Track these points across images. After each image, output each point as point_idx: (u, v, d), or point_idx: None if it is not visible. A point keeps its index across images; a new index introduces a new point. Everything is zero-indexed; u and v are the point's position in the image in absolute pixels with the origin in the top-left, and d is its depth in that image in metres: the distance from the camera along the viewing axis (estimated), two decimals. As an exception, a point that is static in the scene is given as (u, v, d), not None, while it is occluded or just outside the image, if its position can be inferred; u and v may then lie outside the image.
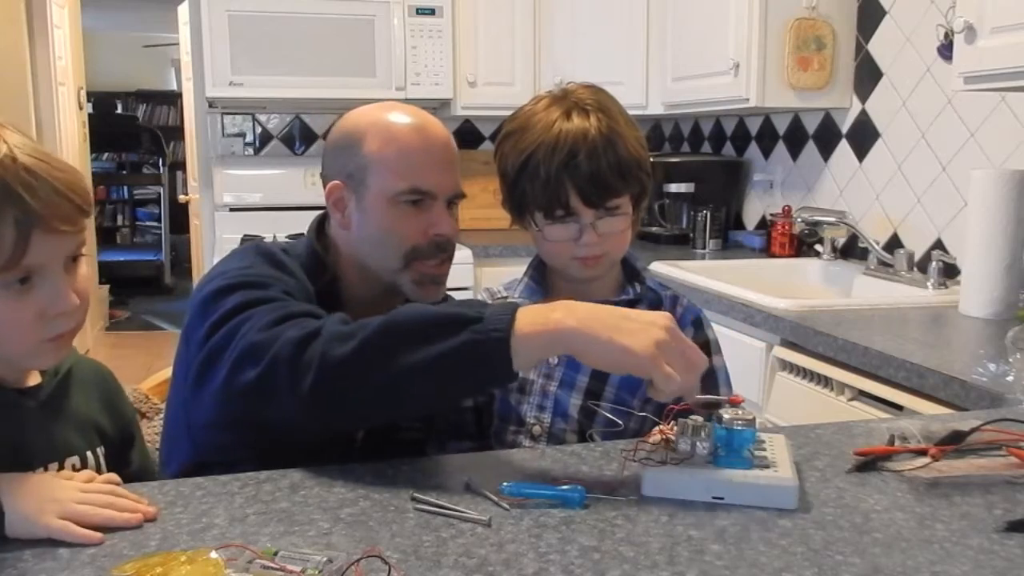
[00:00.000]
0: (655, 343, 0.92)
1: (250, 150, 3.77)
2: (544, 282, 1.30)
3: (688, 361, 0.95)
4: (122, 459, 1.12)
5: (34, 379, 1.04)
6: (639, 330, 0.94)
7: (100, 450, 1.08)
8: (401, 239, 1.23)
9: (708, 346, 1.28)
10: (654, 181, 3.62)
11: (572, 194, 1.19)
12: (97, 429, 1.09)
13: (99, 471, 1.04)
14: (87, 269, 1.01)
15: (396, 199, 1.22)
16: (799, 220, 2.62)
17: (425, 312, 1.01)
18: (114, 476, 0.95)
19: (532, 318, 0.95)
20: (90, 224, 5.85)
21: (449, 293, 1.37)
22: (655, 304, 1.28)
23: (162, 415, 1.39)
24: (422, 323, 0.98)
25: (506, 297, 1.33)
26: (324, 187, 1.28)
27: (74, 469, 1.01)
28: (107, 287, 6.53)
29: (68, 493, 0.84)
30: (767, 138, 3.19)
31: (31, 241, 0.88)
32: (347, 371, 0.97)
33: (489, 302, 1.32)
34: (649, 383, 0.94)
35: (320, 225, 1.32)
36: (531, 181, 1.20)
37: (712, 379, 1.27)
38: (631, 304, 1.27)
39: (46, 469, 0.99)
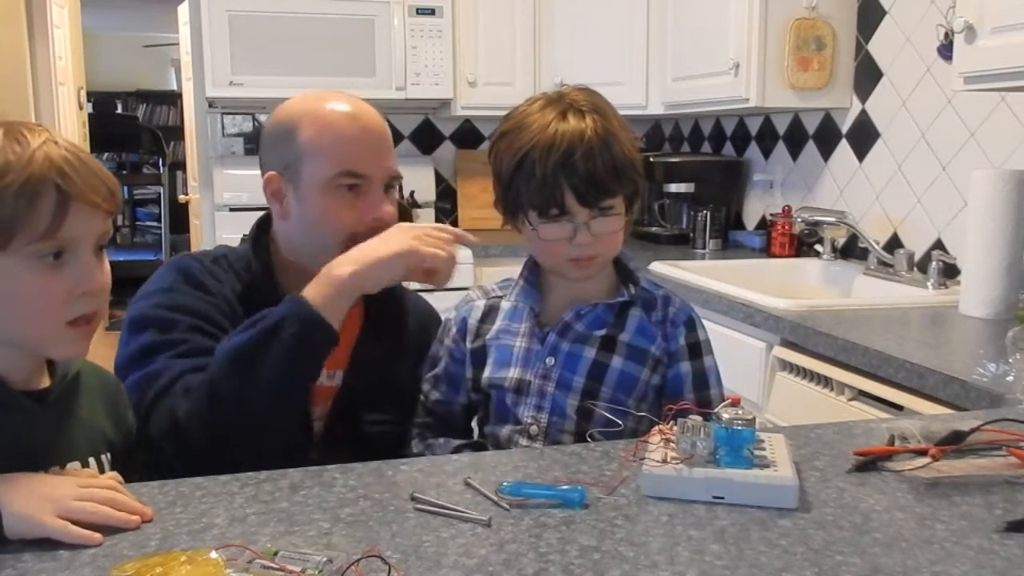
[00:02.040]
0: (411, 236, 1.15)
1: (250, 150, 3.77)
2: (538, 283, 1.30)
3: (439, 236, 1.18)
4: (128, 466, 1.12)
5: (43, 382, 1.04)
6: (390, 237, 1.16)
7: (106, 456, 1.08)
8: (338, 226, 1.24)
9: (699, 346, 1.29)
10: (654, 181, 3.62)
11: (568, 193, 1.19)
12: (102, 435, 1.09)
13: None
14: (108, 265, 1.03)
15: (331, 184, 1.24)
16: (799, 220, 2.62)
17: (240, 342, 1.13)
18: (115, 475, 0.94)
19: (321, 288, 1.14)
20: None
21: (448, 293, 1.38)
22: (648, 303, 1.29)
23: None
24: (244, 351, 1.12)
25: (500, 296, 1.33)
26: (262, 180, 1.30)
27: None
28: (107, 287, 6.51)
29: (65, 490, 0.84)
30: (767, 138, 3.19)
31: (69, 212, 0.93)
32: (204, 419, 1.12)
33: (482, 300, 1.33)
34: (427, 274, 1.15)
35: (265, 223, 1.34)
36: (527, 180, 1.20)
37: (702, 378, 1.28)
38: (626, 306, 1.27)
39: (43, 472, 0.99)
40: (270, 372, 1.11)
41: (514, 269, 1.35)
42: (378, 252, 1.14)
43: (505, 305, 1.31)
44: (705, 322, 1.35)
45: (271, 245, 1.32)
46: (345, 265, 1.14)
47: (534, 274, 1.31)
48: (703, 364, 1.28)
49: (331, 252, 1.22)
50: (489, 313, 1.31)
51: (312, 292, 1.14)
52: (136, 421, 1.16)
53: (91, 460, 1.05)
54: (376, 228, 1.23)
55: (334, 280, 1.14)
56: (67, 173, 0.93)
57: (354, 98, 1.30)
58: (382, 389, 1.32)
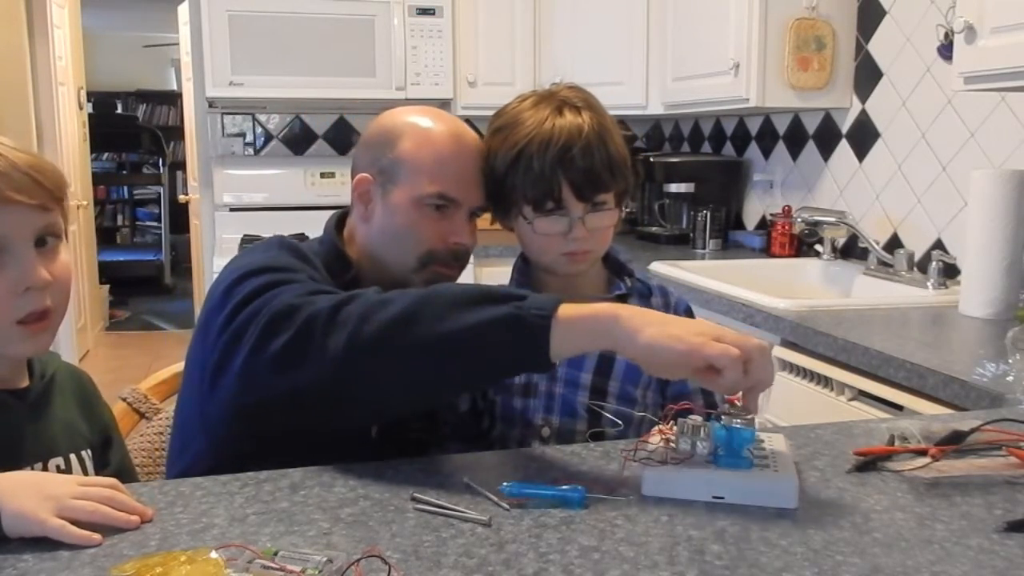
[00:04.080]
0: (705, 331, 0.91)
1: (250, 150, 3.77)
2: (529, 283, 1.30)
3: (742, 337, 0.91)
4: (100, 461, 1.13)
5: (23, 382, 1.05)
6: (688, 323, 0.94)
7: (86, 453, 1.08)
8: (419, 241, 1.24)
9: None
10: (654, 181, 3.61)
11: (565, 187, 1.20)
12: (81, 434, 1.10)
13: (85, 474, 1.05)
14: (67, 257, 1.03)
15: (422, 201, 1.23)
16: (799, 220, 2.62)
17: (469, 285, 1.01)
18: (114, 480, 0.95)
19: (576, 307, 0.95)
20: (90, 224, 5.87)
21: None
22: (645, 295, 1.30)
23: (161, 415, 1.39)
24: (466, 292, 0.98)
25: None
26: (352, 179, 1.29)
27: (58, 471, 1.02)
28: (107, 287, 6.53)
29: (65, 489, 0.84)
30: (767, 138, 3.19)
31: None
32: (383, 334, 0.96)
33: None
34: (704, 376, 0.91)
35: (339, 223, 1.32)
36: (524, 174, 1.21)
37: None
38: (622, 299, 1.27)
39: (32, 470, 1.00)
40: (458, 326, 0.95)
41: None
42: (658, 326, 0.92)
43: None
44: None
45: (347, 244, 1.30)
46: (618, 308, 0.95)
47: (524, 275, 1.31)
48: None
49: (408, 262, 1.24)
50: None
51: (569, 304, 0.95)
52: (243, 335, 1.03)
53: (72, 457, 1.06)
54: (454, 251, 1.25)
55: (595, 309, 0.95)
56: None
57: (459, 121, 1.31)
58: None
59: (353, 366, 0.97)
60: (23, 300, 0.97)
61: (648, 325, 0.92)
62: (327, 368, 0.97)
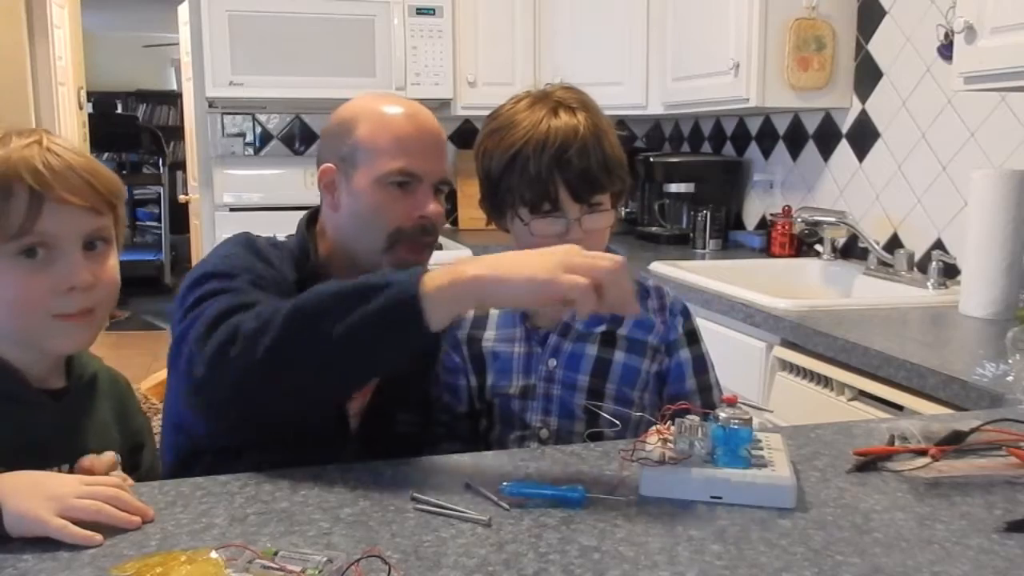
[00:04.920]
0: (555, 263, 0.94)
1: (250, 150, 3.77)
2: None
3: (590, 262, 0.94)
4: (130, 465, 1.13)
5: (61, 381, 1.06)
6: (538, 257, 0.97)
7: (116, 458, 1.08)
8: (387, 220, 1.26)
9: (696, 333, 1.33)
10: (654, 181, 3.61)
11: (561, 189, 1.20)
12: (113, 438, 1.10)
13: None
14: (115, 262, 1.04)
15: (384, 180, 1.25)
16: (799, 220, 2.62)
17: (328, 291, 1.03)
18: (118, 480, 0.95)
19: (438, 276, 0.99)
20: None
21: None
22: (641, 295, 1.30)
23: (160, 416, 1.39)
24: (328, 302, 1.00)
25: None
26: (317, 172, 1.32)
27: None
28: (107, 287, 6.51)
29: (67, 489, 0.84)
30: (767, 138, 3.19)
31: (43, 210, 0.95)
32: (261, 372, 0.99)
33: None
34: (566, 306, 0.95)
35: (312, 219, 1.35)
36: (520, 176, 1.21)
37: (701, 363, 1.32)
38: None
39: (59, 472, 0.99)
40: (338, 335, 0.98)
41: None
42: (512, 270, 0.97)
43: (494, 311, 1.30)
44: (705, 322, 1.37)
45: (318, 239, 1.34)
46: (474, 266, 0.99)
47: None
48: (700, 349, 1.33)
49: (377, 244, 1.26)
50: (480, 320, 1.30)
51: (430, 275, 0.99)
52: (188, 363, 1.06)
53: None
54: (421, 225, 1.27)
55: (454, 274, 0.98)
56: (41, 172, 0.94)
57: (414, 102, 1.33)
58: (417, 388, 1.31)
59: (256, 383, 1.00)
60: (65, 299, 0.98)
61: (508, 275, 0.96)
62: (236, 382, 1.01)
